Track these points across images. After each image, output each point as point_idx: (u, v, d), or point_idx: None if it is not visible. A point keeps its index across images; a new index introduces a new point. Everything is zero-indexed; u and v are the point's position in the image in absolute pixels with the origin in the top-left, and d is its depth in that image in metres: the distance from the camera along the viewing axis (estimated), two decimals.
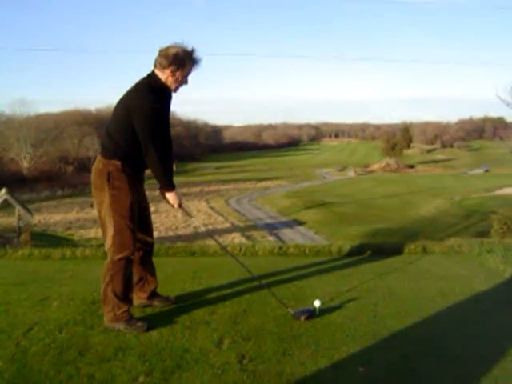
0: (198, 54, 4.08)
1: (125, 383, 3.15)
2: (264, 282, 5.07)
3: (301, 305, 4.45)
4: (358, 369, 3.33)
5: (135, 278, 4.38)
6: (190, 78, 4.18)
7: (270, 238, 38.98)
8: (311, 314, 4.23)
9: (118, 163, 4.02)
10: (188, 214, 4.92)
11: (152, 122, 3.94)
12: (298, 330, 3.96)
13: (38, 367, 3.37)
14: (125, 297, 4.07)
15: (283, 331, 3.94)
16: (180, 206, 4.34)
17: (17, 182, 66.11)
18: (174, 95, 4.26)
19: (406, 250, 6.82)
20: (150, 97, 3.93)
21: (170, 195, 4.25)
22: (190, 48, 4.05)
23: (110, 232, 4.03)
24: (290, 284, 5.20)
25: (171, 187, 4.22)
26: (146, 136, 3.94)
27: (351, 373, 3.29)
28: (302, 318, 4.17)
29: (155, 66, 4.07)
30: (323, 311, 4.32)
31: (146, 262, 4.48)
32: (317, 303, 4.32)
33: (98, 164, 4.10)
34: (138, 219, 4.17)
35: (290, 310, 4.28)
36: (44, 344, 3.74)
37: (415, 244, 6.99)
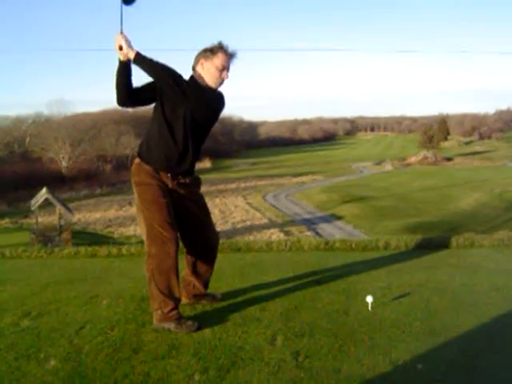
0: (228, 45, 3.95)
1: (181, 381, 3.12)
2: (312, 277, 5.03)
3: (352, 300, 4.40)
4: (417, 365, 3.24)
5: (183, 279, 4.39)
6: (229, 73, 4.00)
7: (309, 233, 38.91)
8: None
9: (138, 160, 4.05)
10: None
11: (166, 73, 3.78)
12: (351, 326, 3.88)
13: (93, 365, 3.36)
14: (170, 292, 3.96)
15: (336, 327, 3.86)
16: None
17: (56, 181, 67.10)
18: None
19: (455, 244, 6.70)
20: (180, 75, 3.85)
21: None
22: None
23: (143, 227, 4.01)
24: (340, 280, 5.11)
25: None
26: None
27: (410, 370, 3.20)
28: None
29: (192, 68, 4.04)
30: (376, 307, 4.23)
31: (199, 271, 4.46)
32: (369, 299, 4.25)
33: None
34: (189, 226, 4.20)
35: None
36: (97, 342, 3.74)
37: (463, 237, 6.87)
